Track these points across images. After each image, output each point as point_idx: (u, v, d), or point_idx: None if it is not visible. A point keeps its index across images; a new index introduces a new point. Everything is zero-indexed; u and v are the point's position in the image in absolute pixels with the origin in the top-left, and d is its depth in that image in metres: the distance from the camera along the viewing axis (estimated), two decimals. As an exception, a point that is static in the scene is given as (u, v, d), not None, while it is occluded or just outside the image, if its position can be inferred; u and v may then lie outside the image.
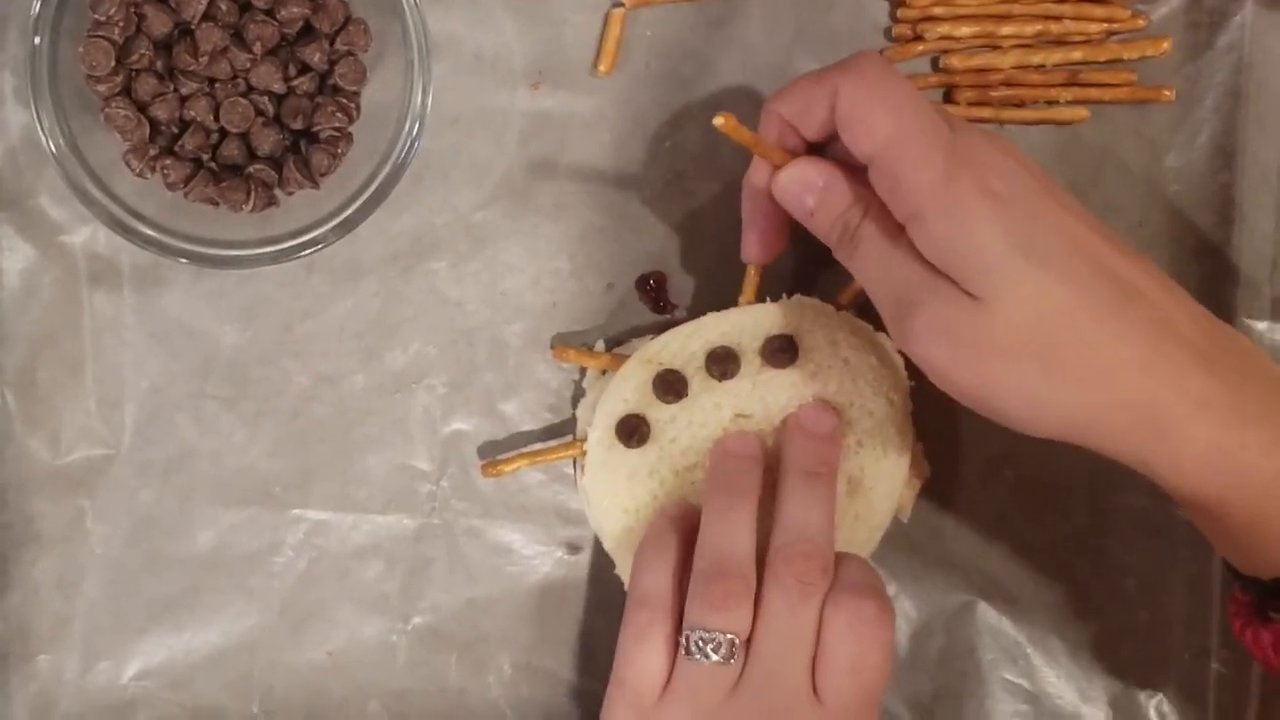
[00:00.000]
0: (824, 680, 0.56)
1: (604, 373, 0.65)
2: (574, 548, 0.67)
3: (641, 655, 0.58)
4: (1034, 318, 0.52)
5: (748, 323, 0.63)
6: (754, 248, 0.62)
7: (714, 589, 0.57)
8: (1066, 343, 0.52)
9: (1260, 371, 0.54)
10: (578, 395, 0.66)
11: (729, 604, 0.57)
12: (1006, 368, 0.53)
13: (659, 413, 0.63)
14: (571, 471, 0.66)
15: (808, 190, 0.58)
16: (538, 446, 0.66)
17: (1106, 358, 0.52)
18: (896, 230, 0.55)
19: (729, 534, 0.58)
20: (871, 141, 0.54)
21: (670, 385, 0.63)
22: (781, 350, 0.63)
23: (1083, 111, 0.66)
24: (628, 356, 0.64)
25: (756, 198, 0.60)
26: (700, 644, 0.56)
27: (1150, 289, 0.53)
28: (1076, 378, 0.52)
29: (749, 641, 0.57)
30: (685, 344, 0.63)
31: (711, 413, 0.63)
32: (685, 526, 0.61)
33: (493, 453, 0.66)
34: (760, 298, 0.64)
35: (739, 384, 0.63)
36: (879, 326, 0.64)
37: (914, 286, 0.54)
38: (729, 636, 0.56)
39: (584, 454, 0.64)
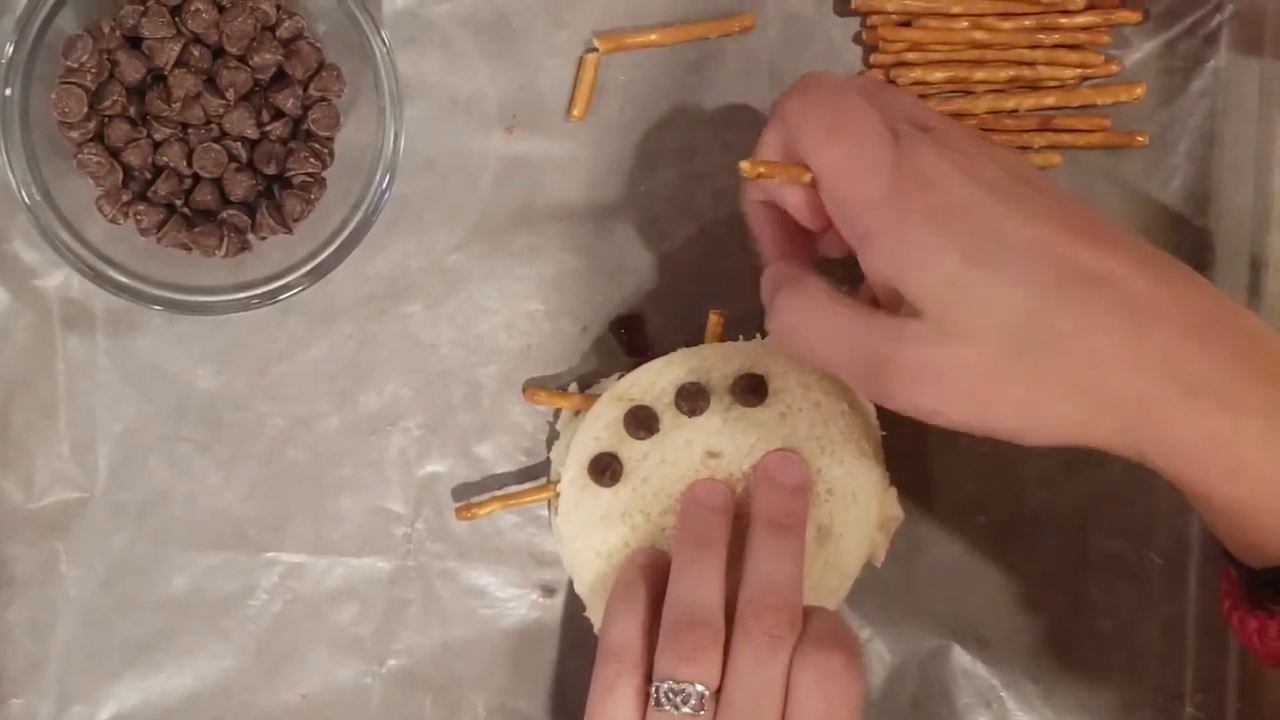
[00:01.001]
0: None
1: (577, 414, 0.65)
2: (548, 590, 0.67)
3: (611, 708, 0.58)
4: (1003, 330, 0.51)
5: (718, 360, 0.64)
6: (772, 249, 0.61)
7: (683, 640, 0.57)
8: (1042, 347, 0.51)
9: (1263, 348, 0.52)
10: (552, 437, 0.66)
11: (697, 655, 0.57)
12: (994, 389, 0.52)
13: (631, 450, 0.63)
14: (546, 514, 0.66)
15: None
16: (512, 489, 0.66)
17: (1085, 355, 0.50)
18: (836, 296, 0.55)
19: (697, 585, 0.58)
20: (815, 162, 0.54)
21: (641, 420, 0.63)
22: (751, 391, 0.63)
23: (1055, 157, 0.66)
24: (599, 396, 0.64)
25: (757, 209, 0.60)
26: (670, 695, 0.56)
27: (1127, 273, 0.51)
28: (1061, 382, 0.51)
29: (719, 693, 0.57)
30: (655, 380, 0.63)
31: (683, 450, 0.63)
32: (654, 576, 0.61)
33: (467, 495, 0.66)
34: (731, 338, 0.64)
35: (709, 421, 0.63)
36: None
37: (874, 344, 0.53)
38: (698, 688, 0.56)
39: (558, 496, 0.64)
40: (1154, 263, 0.52)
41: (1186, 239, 0.67)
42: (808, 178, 0.55)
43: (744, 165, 0.55)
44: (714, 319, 0.64)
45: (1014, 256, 0.51)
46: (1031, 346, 0.51)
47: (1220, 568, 0.57)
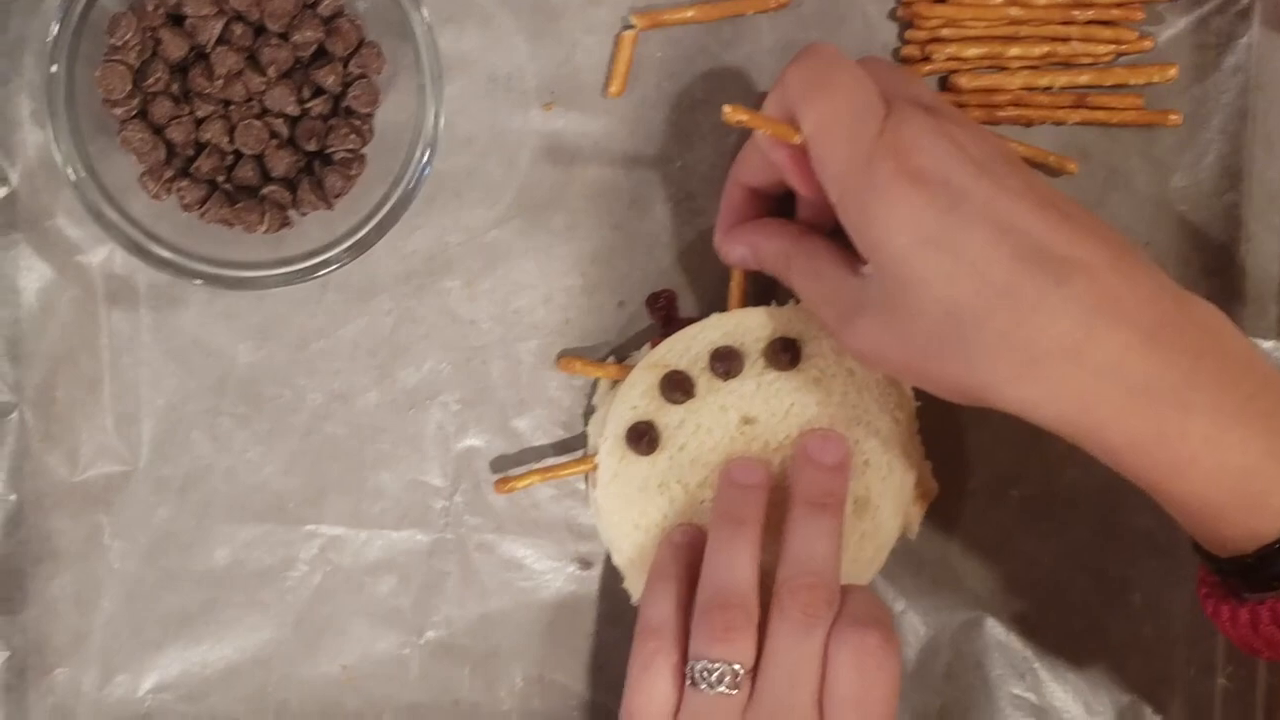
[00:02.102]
0: (829, 712, 0.56)
1: (614, 386, 0.65)
2: (585, 563, 0.67)
3: (649, 685, 0.58)
4: (949, 312, 0.51)
5: (751, 324, 0.64)
6: (719, 228, 0.64)
7: (715, 620, 0.57)
8: (987, 337, 0.51)
9: (1219, 348, 0.52)
10: (589, 411, 0.67)
11: (730, 635, 0.57)
12: (938, 366, 0.53)
13: (667, 417, 0.64)
14: (583, 487, 0.67)
15: (745, 259, 0.62)
16: (550, 462, 0.67)
17: (1029, 349, 0.51)
18: (825, 249, 0.57)
19: (730, 565, 0.59)
20: (805, 120, 0.55)
21: (677, 384, 0.63)
22: (783, 351, 0.63)
23: (1071, 164, 0.66)
24: (634, 367, 0.65)
25: (732, 191, 0.63)
26: (705, 674, 0.57)
27: (1093, 263, 0.51)
28: (1003, 372, 0.52)
29: (755, 671, 0.57)
30: (689, 345, 0.64)
31: (718, 416, 0.64)
32: (691, 555, 0.61)
33: (505, 468, 0.67)
34: (764, 303, 0.65)
35: (744, 385, 0.64)
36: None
37: (845, 299, 0.55)
38: (733, 667, 0.57)
39: (595, 469, 0.65)
40: (1123, 256, 0.52)
41: (1219, 214, 0.67)
42: (797, 138, 0.56)
43: (726, 109, 0.56)
44: (737, 274, 0.65)
45: (977, 238, 0.51)
46: (974, 334, 0.51)
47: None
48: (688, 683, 0.58)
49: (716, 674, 0.57)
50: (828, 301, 0.57)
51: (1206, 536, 0.55)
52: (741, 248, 0.62)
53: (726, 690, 0.57)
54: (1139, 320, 0.51)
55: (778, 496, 0.63)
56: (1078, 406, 0.52)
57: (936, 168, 0.52)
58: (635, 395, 0.64)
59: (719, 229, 0.63)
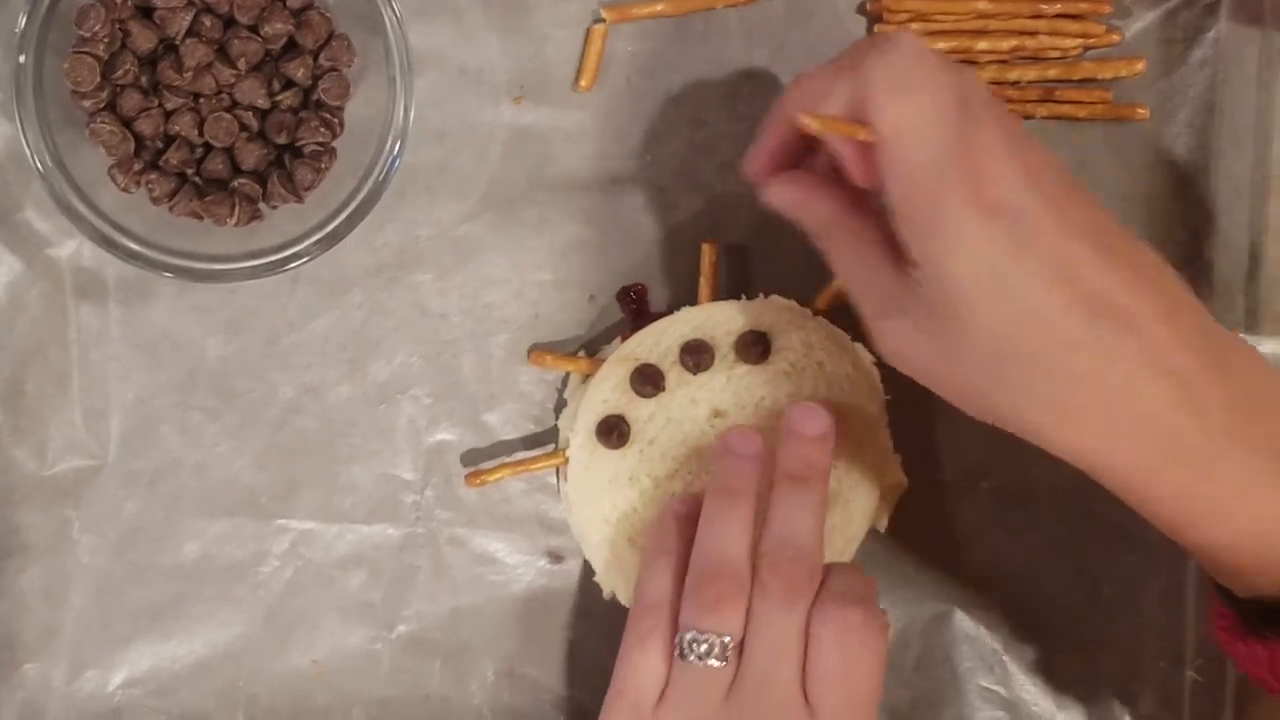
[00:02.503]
0: (812, 688, 0.56)
1: (585, 380, 0.65)
2: (556, 557, 0.67)
3: (643, 661, 0.58)
4: (998, 348, 0.51)
5: (721, 318, 0.64)
6: (754, 159, 0.59)
7: (705, 591, 0.57)
8: (1034, 380, 0.51)
9: (1254, 397, 0.52)
10: (560, 405, 0.67)
11: (720, 605, 0.57)
12: (976, 391, 0.53)
13: (638, 411, 0.64)
14: (554, 481, 0.67)
15: (787, 207, 0.58)
16: (521, 456, 0.67)
17: (1073, 397, 0.51)
18: (872, 232, 0.55)
19: (723, 535, 0.58)
20: (879, 117, 0.52)
21: (648, 377, 0.63)
22: (754, 344, 0.63)
23: None
24: (604, 360, 0.65)
25: (779, 130, 0.58)
26: (693, 645, 0.57)
27: (1143, 314, 0.51)
28: (1045, 416, 0.52)
29: (742, 645, 0.57)
30: (659, 339, 0.64)
31: (688, 409, 0.64)
32: (691, 528, 0.60)
33: (476, 463, 0.67)
34: (733, 297, 0.65)
35: (714, 378, 0.64)
36: (856, 335, 0.65)
37: (886, 294, 0.54)
38: (723, 639, 0.56)
39: (566, 463, 0.65)
40: (1173, 306, 0.52)
41: (1186, 207, 0.67)
42: (864, 134, 0.53)
43: (805, 120, 0.53)
44: (707, 249, 0.65)
45: (1042, 274, 0.50)
46: (1021, 376, 0.52)
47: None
48: (676, 654, 0.57)
49: (705, 645, 0.56)
50: (866, 291, 0.55)
51: (1230, 579, 0.55)
52: (790, 192, 0.58)
53: (715, 663, 0.56)
54: (1179, 371, 0.51)
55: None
56: (1115, 455, 0.52)
57: (1010, 200, 0.51)
58: (606, 389, 0.64)
59: (756, 160, 0.59)
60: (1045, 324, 0.51)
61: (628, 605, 0.65)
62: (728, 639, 0.56)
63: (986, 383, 0.53)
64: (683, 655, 0.57)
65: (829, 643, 0.56)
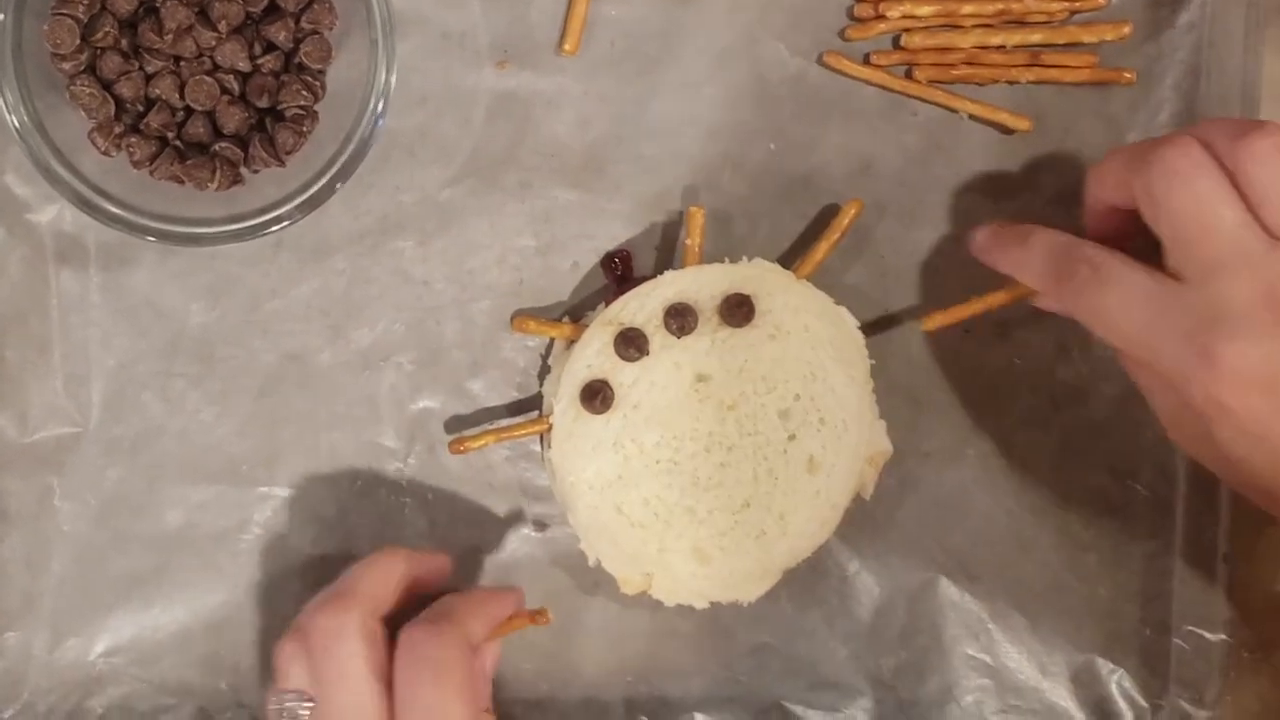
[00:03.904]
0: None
1: (569, 347, 0.65)
2: (540, 524, 0.67)
3: None
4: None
5: (705, 281, 0.64)
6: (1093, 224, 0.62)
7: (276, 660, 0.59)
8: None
9: None
10: (544, 371, 0.67)
11: (286, 668, 0.59)
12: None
13: (622, 376, 0.64)
14: (538, 448, 0.67)
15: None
16: (505, 422, 0.66)
17: None
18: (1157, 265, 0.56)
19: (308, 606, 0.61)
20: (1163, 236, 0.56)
21: (631, 340, 0.63)
22: (738, 306, 0.63)
23: (1025, 122, 0.66)
24: (588, 326, 0.64)
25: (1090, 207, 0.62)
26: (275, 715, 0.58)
27: None
28: None
29: None
30: (644, 303, 0.64)
31: (672, 373, 0.64)
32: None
33: (459, 430, 0.66)
34: (718, 260, 0.65)
35: (698, 342, 0.64)
36: (839, 300, 0.65)
37: (1211, 316, 0.54)
38: (286, 700, 0.58)
39: (550, 429, 0.65)
40: None
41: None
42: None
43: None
44: (695, 212, 0.64)
45: None
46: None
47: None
48: None
49: (282, 713, 0.58)
50: (1170, 324, 0.55)
51: None
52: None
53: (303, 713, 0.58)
54: None
55: (731, 457, 0.63)
56: None
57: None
58: (590, 353, 0.64)
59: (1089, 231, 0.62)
60: None
61: (613, 572, 0.65)
62: (295, 695, 0.58)
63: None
64: None
65: (396, 664, 0.58)
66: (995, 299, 0.64)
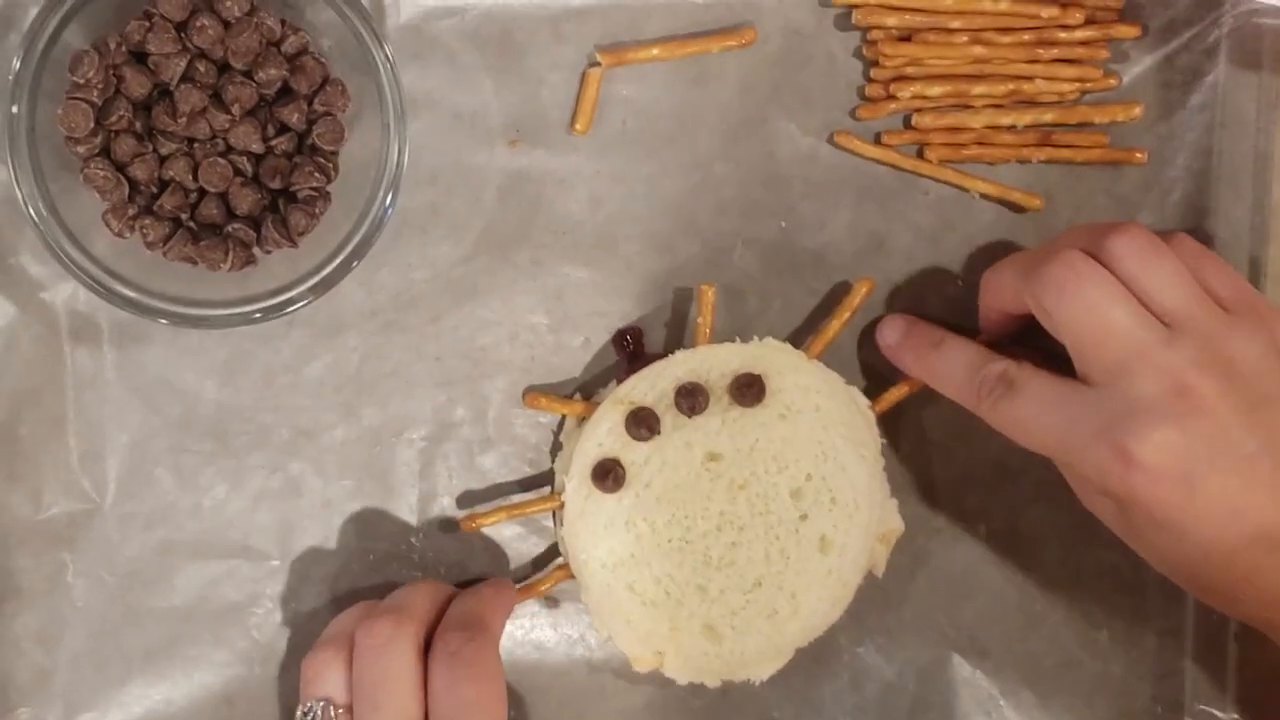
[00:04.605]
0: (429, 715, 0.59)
1: (580, 424, 0.65)
2: (552, 600, 0.67)
3: None
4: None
5: (715, 360, 0.64)
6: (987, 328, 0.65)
7: (307, 668, 0.61)
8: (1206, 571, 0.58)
9: None
10: (556, 449, 0.67)
11: (320, 672, 0.60)
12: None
13: (633, 454, 0.64)
14: (550, 524, 0.67)
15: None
16: (517, 498, 0.66)
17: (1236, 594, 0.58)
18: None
19: (338, 620, 0.63)
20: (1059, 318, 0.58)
21: (643, 420, 0.63)
22: (748, 386, 0.63)
23: (1036, 201, 0.66)
24: (600, 403, 0.64)
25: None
26: (304, 718, 0.60)
27: None
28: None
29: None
30: (655, 383, 0.64)
31: (683, 452, 0.64)
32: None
33: (471, 504, 0.67)
34: (726, 340, 0.65)
35: (708, 421, 0.64)
36: (851, 380, 0.65)
37: (1121, 415, 0.55)
38: (320, 703, 0.60)
39: (562, 506, 0.65)
40: None
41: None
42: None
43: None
44: (706, 290, 0.64)
45: (1218, 507, 0.55)
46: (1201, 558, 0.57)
47: None
48: None
49: (310, 715, 0.60)
50: (1084, 420, 0.57)
51: None
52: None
53: None
54: None
55: (743, 536, 0.63)
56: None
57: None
58: (601, 432, 0.64)
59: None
60: (1210, 548, 0.56)
61: (625, 649, 0.65)
62: (325, 702, 0.60)
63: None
64: None
65: (434, 668, 0.59)
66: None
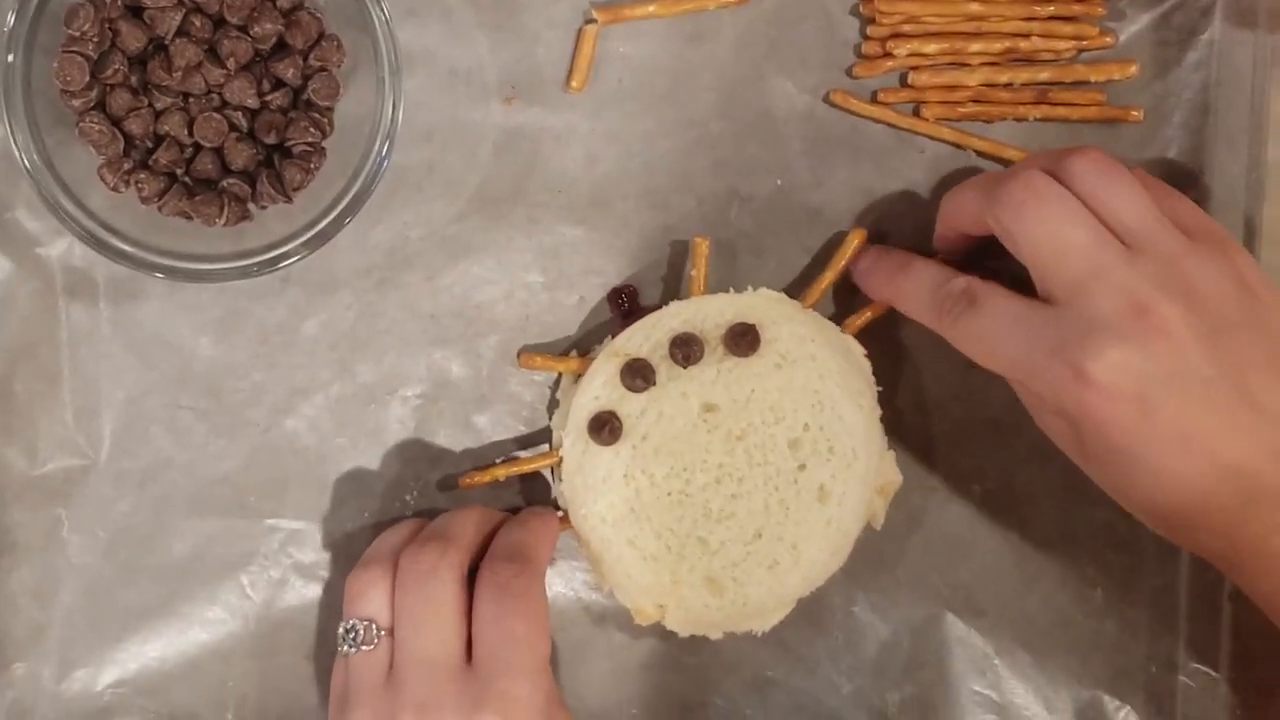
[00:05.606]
0: (474, 644, 0.59)
1: (577, 380, 0.65)
2: (550, 558, 0.67)
3: (336, 662, 0.63)
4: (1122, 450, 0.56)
5: (710, 310, 0.64)
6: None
7: (352, 585, 0.61)
8: (1143, 479, 0.57)
9: None
10: (552, 406, 0.67)
11: (364, 592, 0.61)
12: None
13: (629, 406, 0.64)
14: (547, 482, 0.67)
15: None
16: (514, 455, 0.66)
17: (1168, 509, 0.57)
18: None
19: (385, 538, 0.64)
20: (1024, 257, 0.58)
21: (638, 371, 0.63)
22: (742, 336, 0.63)
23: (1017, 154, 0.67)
24: (595, 359, 0.65)
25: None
26: (346, 636, 0.61)
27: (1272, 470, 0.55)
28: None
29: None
30: (650, 333, 0.64)
31: (679, 403, 0.64)
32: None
33: (466, 464, 0.67)
34: (723, 289, 0.66)
35: (704, 371, 0.64)
36: (846, 329, 0.65)
37: (1078, 332, 0.55)
38: (364, 622, 0.60)
39: (560, 462, 0.65)
40: None
41: (1181, 210, 0.67)
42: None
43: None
44: (700, 243, 0.65)
45: (1173, 440, 0.55)
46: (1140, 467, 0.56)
47: None
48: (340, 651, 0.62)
49: (353, 634, 0.61)
50: (1039, 339, 0.57)
51: None
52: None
53: (366, 647, 0.60)
54: None
55: (741, 488, 0.64)
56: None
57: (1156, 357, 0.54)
58: (597, 385, 0.64)
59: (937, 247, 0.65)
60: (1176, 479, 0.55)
61: (626, 604, 0.65)
62: (369, 622, 0.60)
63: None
64: (343, 649, 0.60)
65: (481, 599, 0.60)
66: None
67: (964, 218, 0.61)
